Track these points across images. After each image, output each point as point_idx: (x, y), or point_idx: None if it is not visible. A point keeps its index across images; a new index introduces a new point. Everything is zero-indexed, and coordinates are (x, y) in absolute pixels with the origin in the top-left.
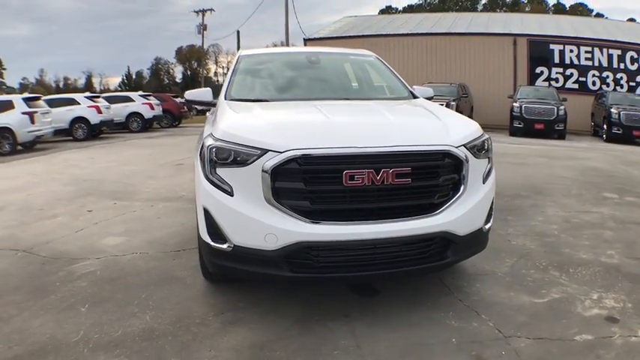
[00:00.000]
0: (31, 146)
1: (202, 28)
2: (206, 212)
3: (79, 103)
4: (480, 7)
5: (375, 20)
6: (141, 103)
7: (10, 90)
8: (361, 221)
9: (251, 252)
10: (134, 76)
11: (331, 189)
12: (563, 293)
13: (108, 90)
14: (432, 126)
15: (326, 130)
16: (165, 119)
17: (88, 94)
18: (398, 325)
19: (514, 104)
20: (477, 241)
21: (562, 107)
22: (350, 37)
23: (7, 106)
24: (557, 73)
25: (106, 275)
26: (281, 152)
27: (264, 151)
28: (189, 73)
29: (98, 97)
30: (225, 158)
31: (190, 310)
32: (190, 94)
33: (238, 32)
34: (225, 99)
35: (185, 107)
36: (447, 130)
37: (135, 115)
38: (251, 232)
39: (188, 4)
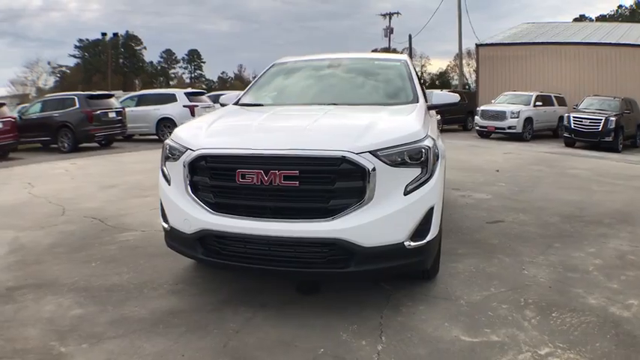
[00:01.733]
0: None
1: (389, 31)
2: (160, 198)
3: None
4: None
5: (549, 27)
6: None
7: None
8: (255, 217)
9: (178, 233)
10: None
11: (228, 185)
12: (509, 338)
13: None
14: (347, 131)
15: (243, 133)
16: None
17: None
18: (290, 324)
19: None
20: (393, 256)
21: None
22: (521, 43)
23: (171, 98)
24: None
25: (135, 244)
26: (194, 150)
27: (186, 149)
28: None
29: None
30: (168, 154)
31: (159, 277)
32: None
33: (410, 37)
34: (234, 104)
35: None
36: (360, 135)
37: None
38: (177, 217)
39: (385, 6)
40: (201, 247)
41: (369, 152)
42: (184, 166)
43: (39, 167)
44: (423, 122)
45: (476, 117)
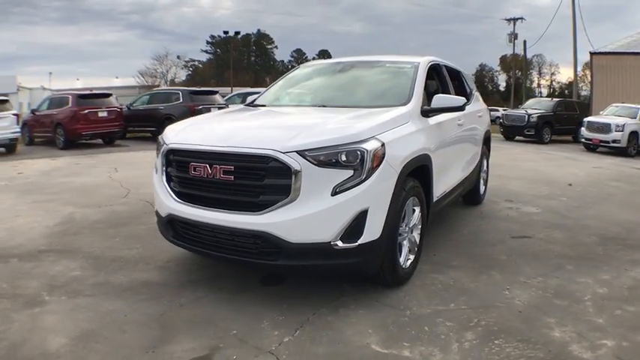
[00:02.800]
0: None
1: (513, 37)
2: None
3: None
4: None
5: None
6: None
7: None
8: (203, 206)
9: (159, 216)
10: None
11: (185, 176)
12: (421, 356)
13: None
14: (284, 131)
15: (205, 131)
16: None
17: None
18: (228, 308)
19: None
20: (322, 254)
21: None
22: (634, 53)
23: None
24: None
25: None
26: (167, 145)
27: (163, 143)
28: (512, 82)
29: None
30: (157, 147)
31: (158, 255)
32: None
33: (525, 42)
34: (244, 104)
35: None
36: (294, 136)
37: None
38: (158, 202)
39: (516, 11)
40: (172, 230)
41: (296, 152)
42: (161, 158)
43: (135, 155)
44: (382, 124)
45: (582, 129)
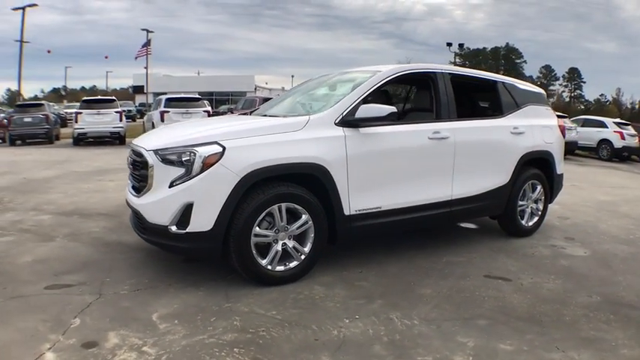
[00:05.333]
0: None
1: None
2: None
3: (606, 127)
4: None
5: None
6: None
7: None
8: (131, 192)
9: None
10: None
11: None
12: None
13: None
14: (172, 135)
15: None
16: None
17: (618, 120)
18: (147, 294)
19: None
20: (163, 235)
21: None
22: None
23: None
24: None
25: None
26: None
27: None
28: None
29: (627, 124)
30: None
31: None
32: None
33: None
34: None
35: None
36: (164, 138)
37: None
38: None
39: None
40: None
41: (152, 151)
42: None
43: None
44: (240, 131)
45: None
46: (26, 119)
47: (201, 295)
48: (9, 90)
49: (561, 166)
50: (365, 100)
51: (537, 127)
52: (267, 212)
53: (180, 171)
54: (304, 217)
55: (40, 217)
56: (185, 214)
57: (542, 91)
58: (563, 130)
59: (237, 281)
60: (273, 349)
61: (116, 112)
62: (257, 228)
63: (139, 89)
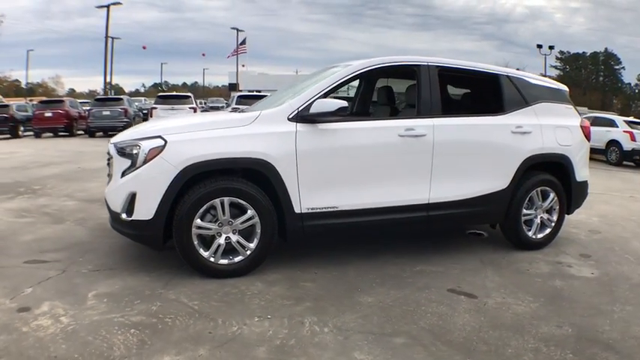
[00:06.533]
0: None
1: None
2: None
3: (616, 126)
4: None
5: None
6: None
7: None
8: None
9: None
10: None
11: None
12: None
13: None
14: (135, 129)
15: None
16: None
17: (631, 119)
18: (103, 277)
19: None
20: (118, 221)
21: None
22: None
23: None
24: None
25: None
26: None
27: None
28: None
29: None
30: None
31: None
32: None
33: None
34: None
35: None
36: (129, 132)
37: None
38: None
39: None
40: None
41: (113, 144)
42: None
43: None
44: (186, 126)
45: None
46: (105, 112)
47: (146, 280)
48: (109, 83)
49: (584, 173)
50: (326, 95)
51: (549, 127)
52: (211, 205)
53: (129, 163)
54: (249, 212)
55: (67, 203)
56: (131, 202)
57: (562, 87)
58: (587, 131)
59: (188, 272)
60: (164, 335)
61: (190, 107)
62: (199, 220)
63: (234, 86)
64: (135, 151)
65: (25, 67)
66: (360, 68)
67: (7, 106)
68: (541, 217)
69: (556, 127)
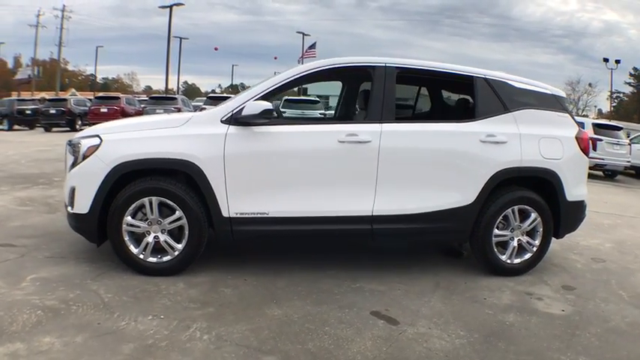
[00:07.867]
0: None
1: None
2: None
3: None
4: None
5: None
6: None
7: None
8: None
9: None
10: None
11: None
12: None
13: None
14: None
15: None
16: None
17: None
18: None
19: None
20: (68, 215)
21: None
22: None
23: None
24: None
25: None
26: None
27: None
28: None
29: None
30: None
31: None
32: None
33: None
34: None
35: None
36: (85, 130)
37: None
38: None
39: None
40: None
41: (68, 142)
42: None
43: None
44: (124, 126)
45: None
46: (158, 111)
47: (84, 270)
48: (185, 83)
49: (579, 191)
50: (266, 97)
51: (532, 136)
52: (141, 204)
53: (73, 159)
54: (177, 213)
55: None
56: (72, 196)
57: (555, 91)
58: (585, 143)
59: (124, 267)
60: (59, 319)
61: None
62: (129, 217)
63: (304, 90)
64: (77, 149)
65: (95, 62)
66: (307, 70)
67: (65, 100)
68: (519, 239)
69: (541, 138)
